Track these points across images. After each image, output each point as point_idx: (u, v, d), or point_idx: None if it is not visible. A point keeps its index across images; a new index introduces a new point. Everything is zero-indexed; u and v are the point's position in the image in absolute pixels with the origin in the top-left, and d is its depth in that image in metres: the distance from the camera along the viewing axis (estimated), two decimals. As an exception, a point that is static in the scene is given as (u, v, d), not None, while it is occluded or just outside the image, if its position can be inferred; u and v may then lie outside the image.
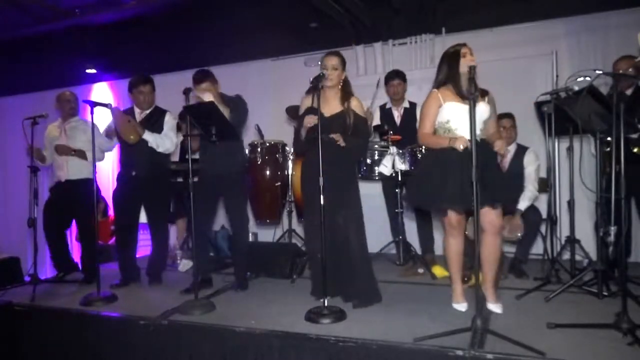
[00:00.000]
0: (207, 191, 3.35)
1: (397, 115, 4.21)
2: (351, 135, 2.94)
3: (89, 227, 3.70)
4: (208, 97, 3.11)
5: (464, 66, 2.58)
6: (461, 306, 2.73)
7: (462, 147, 2.55)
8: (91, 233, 3.38)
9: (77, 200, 3.81)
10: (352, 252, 2.91)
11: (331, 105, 2.97)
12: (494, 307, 2.64)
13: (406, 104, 4.21)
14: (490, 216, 2.57)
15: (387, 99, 4.29)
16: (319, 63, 3.03)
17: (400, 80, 4.11)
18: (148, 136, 3.52)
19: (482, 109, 2.62)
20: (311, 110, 2.93)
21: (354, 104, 2.96)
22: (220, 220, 4.70)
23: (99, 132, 3.78)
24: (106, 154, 4.07)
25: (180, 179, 4.52)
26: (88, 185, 3.72)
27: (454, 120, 2.62)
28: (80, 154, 3.85)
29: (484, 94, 2.68)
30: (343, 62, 2.99)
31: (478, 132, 2.56)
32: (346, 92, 2.99)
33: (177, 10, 4.41)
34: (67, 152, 3.83)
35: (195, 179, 3.08)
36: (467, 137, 2.51)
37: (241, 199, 3.49)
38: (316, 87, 2.81)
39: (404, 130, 3.97)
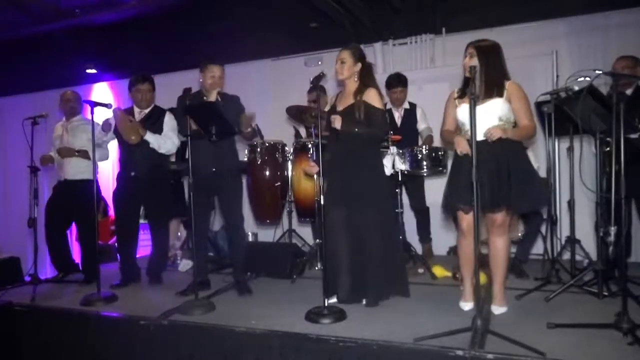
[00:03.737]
0: (201, 190, 3.30)
1: (397, 116, 4.23)
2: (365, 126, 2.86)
3: (88, 228, 3.69)
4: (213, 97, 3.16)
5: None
6: (466, 305, 2.73)
7: (459, 150, 2.56)
8: (91, 233, 3.37)
9: (77, 200, 3.82)
10: (371, 253, 2.86)
11: (347, 99, 2.95)
12: (496, 308, 2.63)
13: (406, 105, 4.22)
14: (493, 218, 2.56)
15: (388, 99, 4.30)
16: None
17: (402, 88, 4.15)
18: (149, 137, 3.52)
19: (495, 106, 2.55)
20: (331, 109, 3.00)
21: (369, 95, 2.88)
22: (220, 220, 4.70)
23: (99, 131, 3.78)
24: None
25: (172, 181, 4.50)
26: (88, 186, 3.73)
27: (467, 121, 2.60)
28: (84, 154, 3.84)
29: (496, 90, 2.56)
30: (355, 54, 2.93)
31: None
32: (363, 84, 2.93)
33: (177, 10, 4.42)
34: (71, 154, 3.84)
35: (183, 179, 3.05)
36: (480, 136, 2.49)
37: (236, 198, 3.38)
38: (316, 86, 2.81)
39: (405, 131, 3.99)
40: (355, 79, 2.94)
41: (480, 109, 2.52)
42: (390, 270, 2.92)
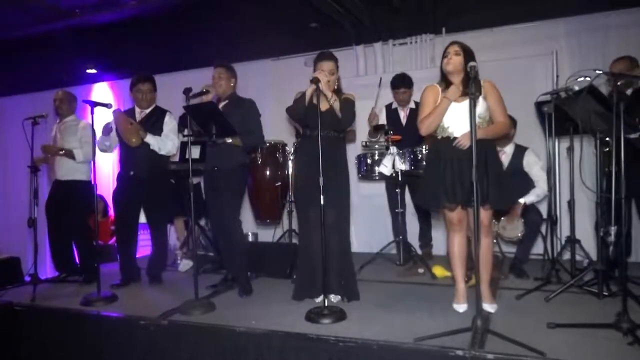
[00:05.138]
0: (212, 187, 3.31)
1: (403, 115, 4.24)
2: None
3: (79, 228, 3.72)
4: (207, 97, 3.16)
5: (445, 65, 2.61)
6: (460, 307, 2.71)
7: (463, 145, 2.54)
8: (87, 233, 3.36)
9: (68, 200, 3.81)
10: (336, 249, 2.92)
11: (324, 101, 2.96)
12: (488, 307, 2.63)
13: (412, 105, 4.23)
14: (480, 218, 2.56)
15: (393, 99, 4.31)
16: (312, 64, 3.06)
17: (405, 89, 4.12)
18: (150, 139, 3.51)
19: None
20: (310, 106, 2.96)
21: (346, 95, 3.01)
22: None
23: (95, 133, 3.74)
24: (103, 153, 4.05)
25: (173, 180, 4.47)
26: (80, 187, 3.74)
27: (447, 118, 2.62)
28: (68, 154, 3.81)
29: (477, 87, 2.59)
30: (337, 64, 2.99)
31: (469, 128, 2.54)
32: (337, 90, 3.03)
33: (177, 10, 4.41)
34: (55, 152, 3.82)
35: (196, 180, 3.04)
36: (458, 134, 2.57)
37: (231, 198, 3.23)
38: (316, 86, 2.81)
39: (410, 131, 3.98)
40: (335, 87, 3.00)
41: (461, 106, 2.57)
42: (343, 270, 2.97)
